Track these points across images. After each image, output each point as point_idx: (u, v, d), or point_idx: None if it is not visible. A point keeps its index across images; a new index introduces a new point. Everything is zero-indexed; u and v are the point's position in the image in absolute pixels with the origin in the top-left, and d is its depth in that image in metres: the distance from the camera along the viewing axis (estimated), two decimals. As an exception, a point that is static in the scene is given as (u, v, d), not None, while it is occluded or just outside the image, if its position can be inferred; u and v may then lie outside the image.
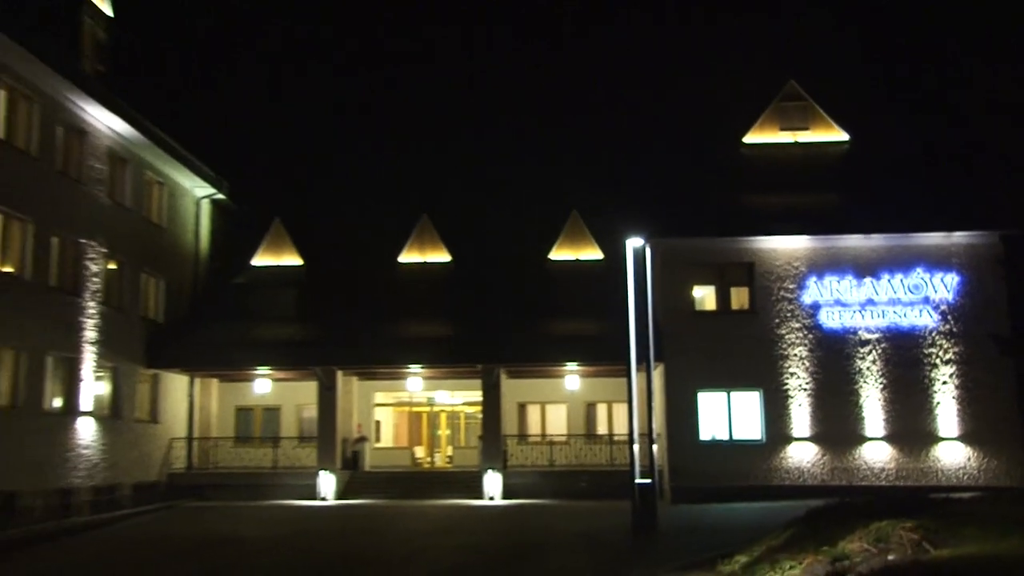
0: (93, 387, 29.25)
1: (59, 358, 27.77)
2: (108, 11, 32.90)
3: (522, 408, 37.54)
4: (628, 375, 13.44)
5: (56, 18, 30.02)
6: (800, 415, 29.78)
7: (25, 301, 26.14)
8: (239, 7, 65.06)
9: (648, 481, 12.12)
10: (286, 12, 66.99)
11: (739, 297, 31.25)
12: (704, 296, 31.59)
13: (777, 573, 11.98)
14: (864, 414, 29.61)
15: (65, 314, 28.13)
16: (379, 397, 39.52)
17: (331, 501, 31.79)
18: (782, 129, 34.22)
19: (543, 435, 36.97)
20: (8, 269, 25.88)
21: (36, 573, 19.05)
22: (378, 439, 39.53)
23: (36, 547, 22.02)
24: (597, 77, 62.70)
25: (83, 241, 29.06)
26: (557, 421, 37.46)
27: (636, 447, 12.75)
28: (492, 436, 32.74)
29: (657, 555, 12.24)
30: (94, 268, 29.59)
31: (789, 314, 30.32)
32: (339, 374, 33.70)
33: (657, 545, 18.32)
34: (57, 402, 27.73)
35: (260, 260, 38.01)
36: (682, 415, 29.90)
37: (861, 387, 29.76)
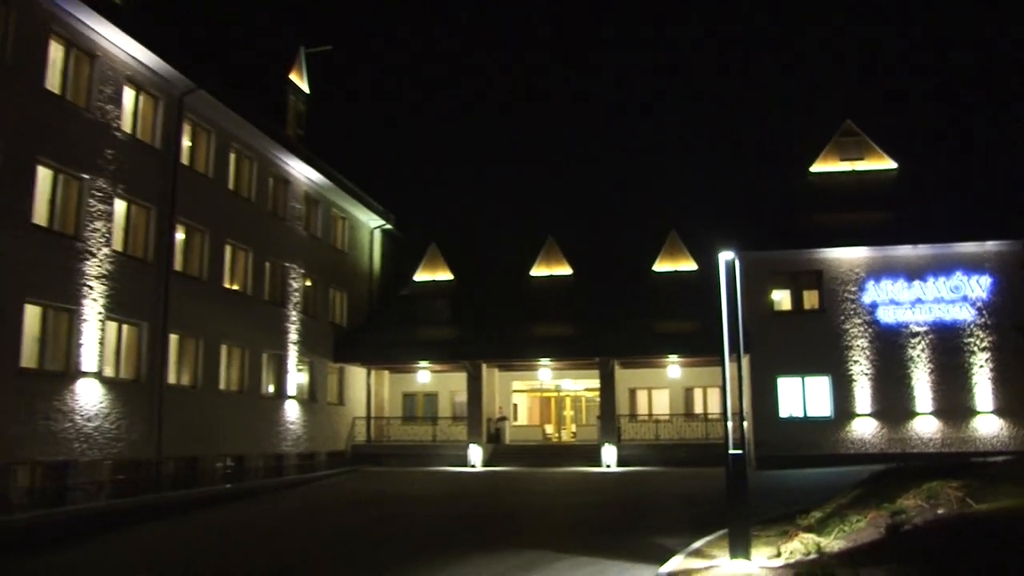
0: (296, 377, 30.71)
1: (271, 355, 29.35)
2: (305, 89, 34.60)
3: (632, 392, 37.77)
4: (722, 365, 13.79)
5: (269, 97, 31.62)
6: (862, 395, 29.53)
7: (247, 311, 27.80)
8: (396, 78, 66.81)
9: (740, 452, 12.48)
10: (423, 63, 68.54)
11: (810, 299, 31.05)
12: (781, 299, 31.47)
13: (846, 526, 11.96)
14: (915, 394, 29.20)
15: (275, 321, 29.70)
16: (516, 384, 40.14)
17: (479, 468, 32.50)
18: (842, 160, 33.95)
19: (650, 415, 37.16)
20: (235, 287, 27.56)
21: (263, 512, 20.30)
22: (515, 418, 40.17)
23: (261, 495, 23.41)
24: (686, 114, 62.55)
25: (287, 264, 30.62)
26: (661, 403, 37.58)
27: (729, 424, 13.17)
28: (608, 416, 33.11)
29: (746, 511, 12.59)
30: (295, 285, 31.11)
31: (852, 312, 30.09)
32: (484, 366, 34.46)
33: (746, 504, 18.59)
34: (271, 388, 29.30)
35: (420, 276, 39.12)
36: (765, 397, 29.89)
37: (912, 371, 29.37)
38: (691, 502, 20.31)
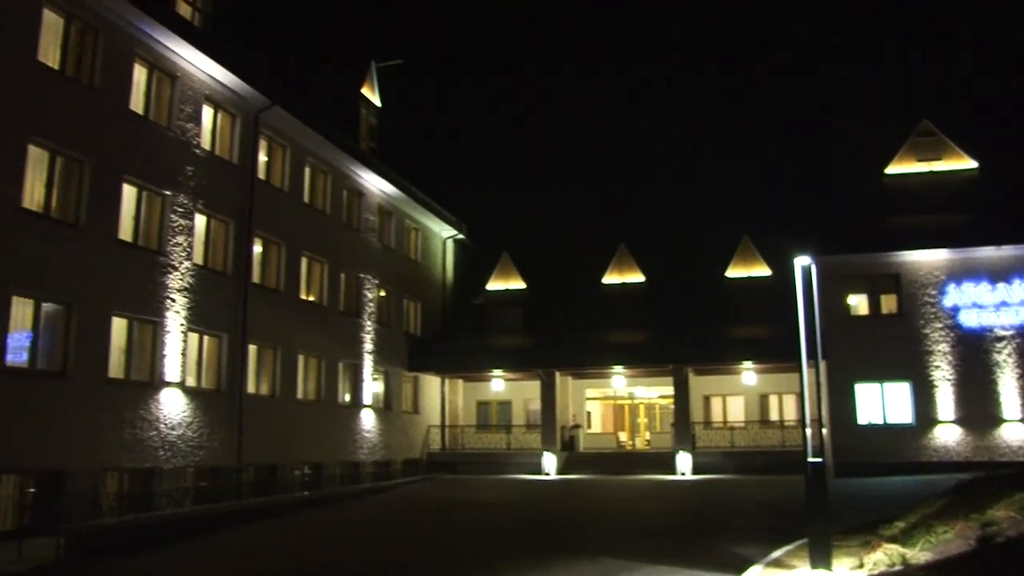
0: (371, 386, 31.01)
1: (347, 364, 29.67)
2: (377, 102, 34.98)
3: (706, 399, 37.25)
4: (799, 370, 13.44)
5: (342, 111, 32.04)
6: (945, 401, 28.48)
7: (323, 322, 28.16)
8: (465, 87, 67.25)
9: (819, 460, 12.13)
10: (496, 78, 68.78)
11: (888, 303, 30.17)
12: (857, 303, 30.63)
13: (932, 537, 11.54)
14: (1001, 400, 28.01)
15: (350, 331, 30.03)
16: (589, 392, 39.93)
17: (553, 476, 32.29)
18: (919, 160, 32.82)
19: (724, 422, 36.60)
20: (312, 298, 27.96)
21: (341, 519, 20.42)
22: (589, 426, 39.94)
23: (339, 503, 23.54)
24: (757, 117, 61.57)
25: (362, 275, 30.95)
26: (736, 410, 37.00)
27: (808, 431, 12.80)
28: (682, 423, 32.67)
29: (826, 520, 12.22)
30: (369, 295, 31.42)
31: (932, 316, 29.09)
32: (557, 374, 34.33)
33: (826, 513, 18.08)
34: (347, 397, 29.63)
35: (493, 285, 39.13)
36: (842, 403, 29.06)
37: (998, 377, 28.20)
38: (769, 510, 19.88)
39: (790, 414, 35.53)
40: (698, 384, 35.44)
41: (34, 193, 17.52)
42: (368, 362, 30.84)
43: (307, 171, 27.83)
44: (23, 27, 17.15)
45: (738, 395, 36.89)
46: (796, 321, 13.76)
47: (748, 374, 35.14)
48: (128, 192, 19.99)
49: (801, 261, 14.36)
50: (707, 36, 71.55)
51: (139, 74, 20.50)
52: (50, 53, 18.07)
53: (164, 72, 21.27)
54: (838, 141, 41.09)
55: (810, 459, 12.19)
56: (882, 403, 29.24)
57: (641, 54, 70.74)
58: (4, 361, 16.34)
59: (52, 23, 18.14)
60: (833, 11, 68.58)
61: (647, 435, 40.79)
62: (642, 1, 74.00)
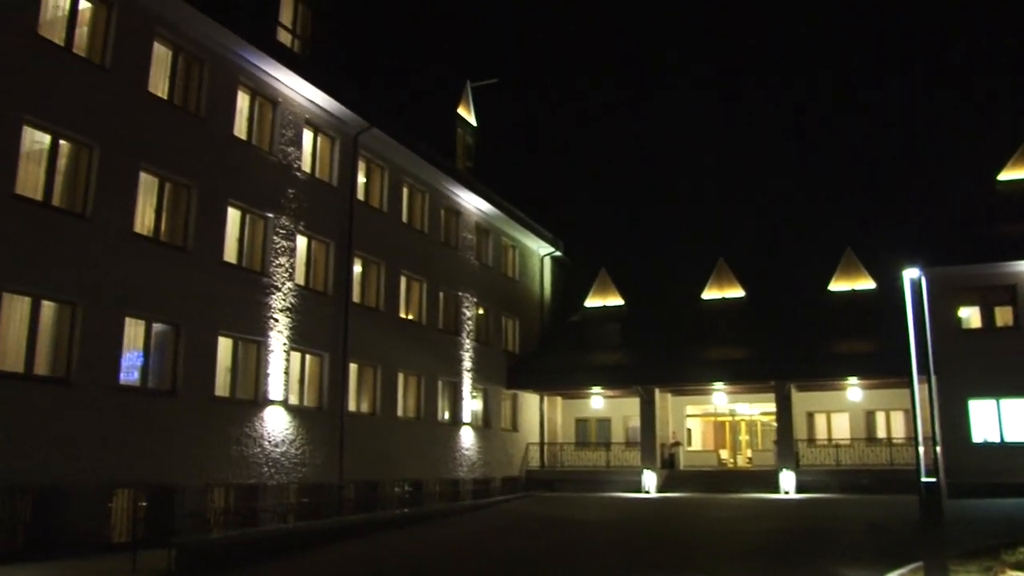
0: (470, 404, 30.97)
1: (446, 382, 29.73)
2: (472, 121, 35.18)
3: (810, 416, 35.99)
4: (910, 386, 12.76)
5: (438, 132, 32.31)
6: (1069, 419, 26.81)
7: (422, 340, 28.28)
8: (560, 105, 67.28)
9: (934, 479, 11.45)
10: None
11: (1003, 315, 28.56)
12: (969, 316, 29.12)
13: None
14: None
15: (449, 349, 30.09)
16: (689, 409, 39.10)
17: (653, 494, 31.72)
18: (1035, 165, 31.28)
19: (829, 439, 35.25)
20: (411, 317, 28.15)
21: (442, 536, 20.23)
22: (689, 443, 39.12)
23: (439, 519, 23.47)
24: (857, 127, 59.68)
25: (460, 294, 31.03)
26: (841, 427, 35.61)
27: (920, 448, 12.11)
28: (785, 440, 31.61)
29: (942, 543, 11.48)
30: (468, 314, 31.47)
31: (1053, 329, 27.47)
32: (656, 391, 33.71)
33: (942, 535, 17.17)
34: (446, 415, 29.66)
35: (591, 302, 38.79)
36: (955, 420, 27.57)
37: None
38: (879, 531, 18.90)
39: (898, 431, 34.04)
40: (801, 400, 34.26)
41: (144, 218, 18.08)
42: (467, 380, 30.84)
43: (405, 191, 28.09)
44: (135, 60, 17.78)
45: (843, 412, 35.53)
46: (906, 336, 13.11)
47: (853, 390, 33.80)
48: (232, 215, 20.46)
49: (910, 273, 13.65)
50: (812, 43, 69.87)
51: (242, 101, 21.03)
52: (159, 84, 18.68)
53: (266, 98, 21.77)
54: (947, 148, 39.50)
55: (923, 478, 11.52)
56: (999, 420, 27.64)
57: (744, 65, 69.49)
58: (118, 380, 16.85)
59: (161, 56, 18.76)
60: (942, 16, 66.09)
61: (749, 453, 39.67)
62: (747, 10, 72.79)
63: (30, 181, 15.67)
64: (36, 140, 15.94)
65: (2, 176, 14.89)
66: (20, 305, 15.37)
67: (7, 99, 15.02)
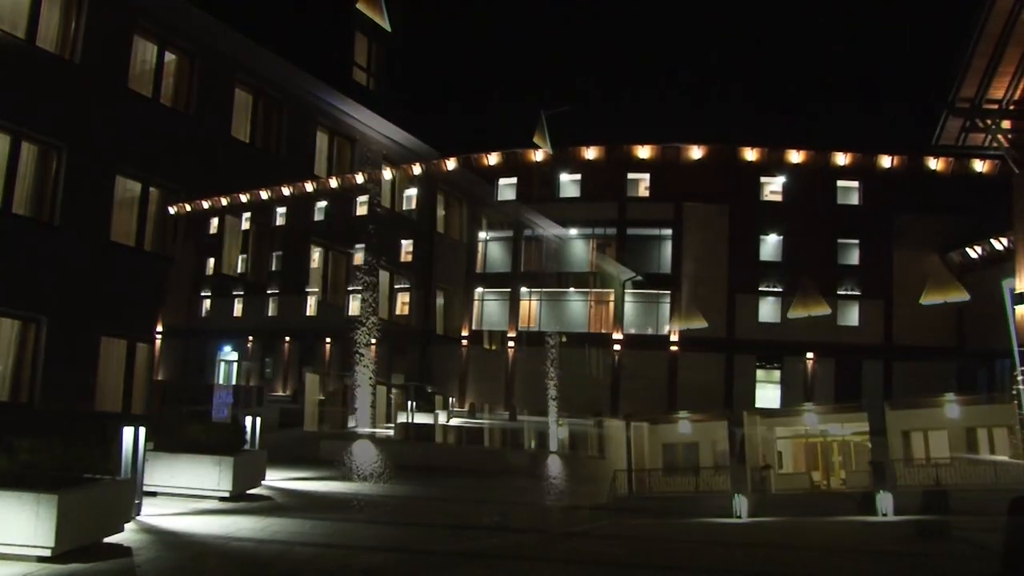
0: (557, 431, 30.72)
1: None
2: (549, 149, 35.04)
3: (905, 435, 34.53)
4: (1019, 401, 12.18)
5: (513, 163, 32.38)
6: None
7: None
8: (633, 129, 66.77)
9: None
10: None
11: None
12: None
13: None
14: None
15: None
16: (779, 431, 38.04)
17: (744, 519, 30.73)
18: None
19: (927, 458, 33.83)
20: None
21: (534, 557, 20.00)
22: (780, 466, 37.98)
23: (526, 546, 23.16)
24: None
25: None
26: (939, 445, 34.13)
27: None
28: (880, 461, 30.53)
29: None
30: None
31: None
32: (744, 414, 32.96)
33: None
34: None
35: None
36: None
37: None
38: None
39: (1002, 449, 32.51)
40: (895, 419, 32.96)
41: (231, 259, 18.54)
42: (552, 408, 30.65)
43: (484, 222, 28.21)
44: (220, 107, 18.34)
45: (941, 430, 34.06)
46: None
47: (951, 407, 32.41)
48: (315, 253, 20.83)
49: (1009, 284, 13.04)
50: None
51: (321, 140, 21.50)
52: (242, 129, 19.22)
53: (343, 136, 22.20)
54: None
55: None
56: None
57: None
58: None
59: (243, 101, 19.31)
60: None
61: (842, 474, 38.30)
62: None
63: (122, 227, 16.26)
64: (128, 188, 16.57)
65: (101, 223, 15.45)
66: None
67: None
